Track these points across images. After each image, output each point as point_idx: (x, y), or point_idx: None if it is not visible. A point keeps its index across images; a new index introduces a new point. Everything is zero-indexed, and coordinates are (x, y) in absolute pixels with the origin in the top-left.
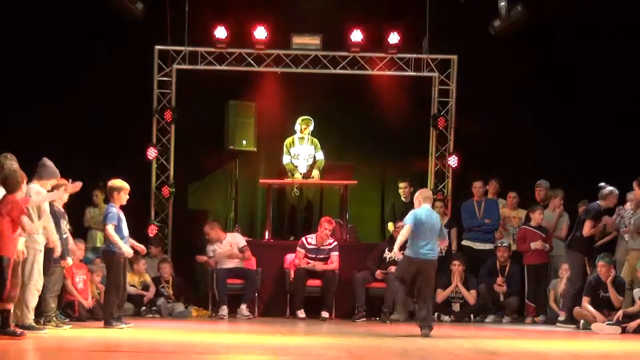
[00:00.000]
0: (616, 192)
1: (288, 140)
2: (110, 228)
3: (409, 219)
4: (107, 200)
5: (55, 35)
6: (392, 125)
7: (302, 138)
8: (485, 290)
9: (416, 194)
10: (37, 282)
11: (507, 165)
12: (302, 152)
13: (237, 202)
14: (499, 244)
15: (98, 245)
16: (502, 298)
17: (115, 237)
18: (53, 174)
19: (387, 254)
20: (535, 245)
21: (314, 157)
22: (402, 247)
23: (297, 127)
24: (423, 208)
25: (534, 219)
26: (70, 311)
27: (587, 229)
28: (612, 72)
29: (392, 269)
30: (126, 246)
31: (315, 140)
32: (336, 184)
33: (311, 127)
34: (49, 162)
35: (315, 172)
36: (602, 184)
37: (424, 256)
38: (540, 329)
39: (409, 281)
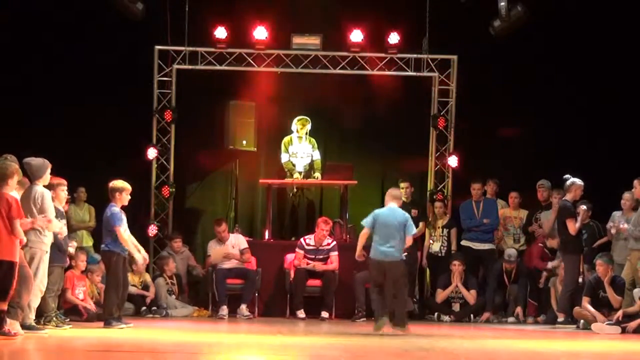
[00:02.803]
0: (578, 182)
1: (286, 139)
2: (121, 231)
3: (366, 221)
4: (102, 200)
5: (55, 36)
6: (392, 125)
7: (300, 137)
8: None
9: (387, 194)
10: (41, 282)
11: (508, 166)
12: (300, 150)
13: (237, 202)
14: (507, 257)
15: (84, 245)
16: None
17: (127, 241)
18: (43, 165)
19: None
20: (553, 264)
21: (312, 156)
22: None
23: (293, 127)
24: (386, 207)
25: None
26: (77, 316)
27: (572, 227)
28: (612, 72)
29: None
30: (138, 254)
31: (313, 140)
32: (336, 184)
33: (308, 127)
34: (32, 160)
35: (317, 175)
36: (566, 175)
37: (384, 256)
38: (540, 329)
39: (380, 283)
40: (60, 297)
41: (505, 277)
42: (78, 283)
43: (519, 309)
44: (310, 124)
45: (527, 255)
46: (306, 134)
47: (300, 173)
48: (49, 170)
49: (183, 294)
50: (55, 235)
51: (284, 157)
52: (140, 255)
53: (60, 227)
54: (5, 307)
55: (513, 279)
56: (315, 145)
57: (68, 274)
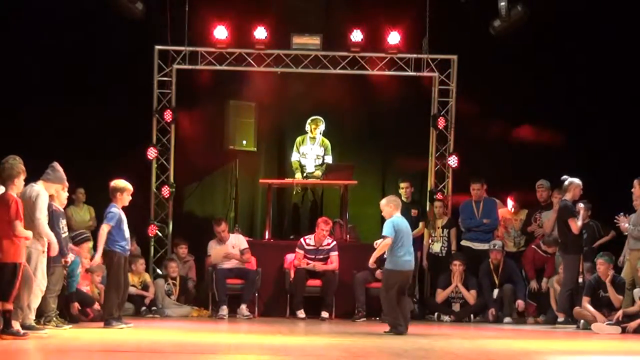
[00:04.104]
0: (576, 182)
1: (299, 139)
2: (105, 228)
3: (389, 231)
4: (102, 200)
5: (55, 35)
6: (392, 125)
7: (313, 138)
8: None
9: (386, 201)
10: (40, 283)
11: (507, 166)
12: (311, 151)
13: (237, 202)
14: (492, 246)
15: None
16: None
17: (103, 238)
18: (60, 179)
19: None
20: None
21: (323, 159)
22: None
23: (307, 127)
24: (398, 217)
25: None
26: (82, 315)
27: (575, 227)
28: (612, 71)
29: None
30: (98, 257)
31: (327, 142)
32: (336, 184)
33: (322, 127)
34: (59, 167)
35: (317, 172)
36: (564, 176)
37: (410, 267)
38: (540, 329)
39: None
40: (61, 297)
41: (494, 275)
42: (83, 281)
43: (519, 302)
44: (323, 124)
45: (523, 255)
46: (320, 134)
47: (303, 173)
48: (56, 186)
49: (183, 295)
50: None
51: (294, 157)
52: (97, 259)
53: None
54: (10, 307)
55: (501, 275)
56: (329, 149)
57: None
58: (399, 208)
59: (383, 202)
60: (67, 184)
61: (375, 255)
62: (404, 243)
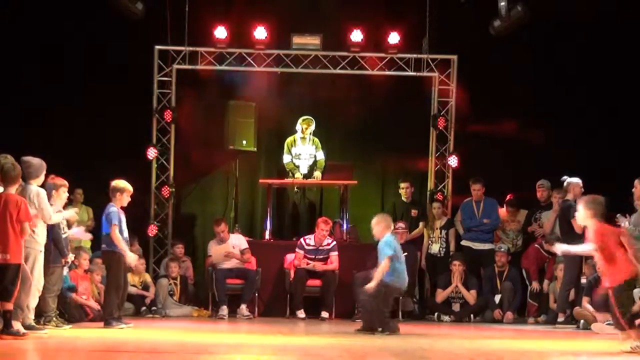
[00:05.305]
0: (576, 181)
1: (289, 140)
2: (115, 229)
3: (389, 250)
4: (102, 200)
5: (55, 35)
6: (392, 125)
7: (304, 138)
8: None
9: (376, 220)
10: (37, 282)
11: (507, 166)
12: (304, 151)
13: (237, 202)
14: (497, 249)
15: (82, 244)
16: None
17: (119, 240)
18: (41, 166)
19: None
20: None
21: (315, 157)
22: None
23: (298, 127)
24: (390, 236)
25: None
26: (83, 315)
27: (579, 226)
28: (612, 71)
29: None
30: (130, 253)
31: (317, 140)
32: (336, 184)
33: (312, 127)
34: (33, 159)
35: (317, 174)
36: (564, 177)
37: (406, 284)
38: (540, 329)
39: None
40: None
41: (497, 280)
42: (81, 282)
43: (508, 314)
44: (314, 124)
45: (524, 255)
46: (310, 134)
47: (302, 175)
48: (43, 173)
49: (183, 295)
50: (55, 237)
51: (286, 158)
52: (131, 255)
53: (61, 218)
54: (11, 307)
55: (504, 278)
56: (319, 145)
57: (71, 274)
58: (390, 228)
59: (373, 221)
60: (65, 182)
61: (377, 278)
62: (401, 260)
